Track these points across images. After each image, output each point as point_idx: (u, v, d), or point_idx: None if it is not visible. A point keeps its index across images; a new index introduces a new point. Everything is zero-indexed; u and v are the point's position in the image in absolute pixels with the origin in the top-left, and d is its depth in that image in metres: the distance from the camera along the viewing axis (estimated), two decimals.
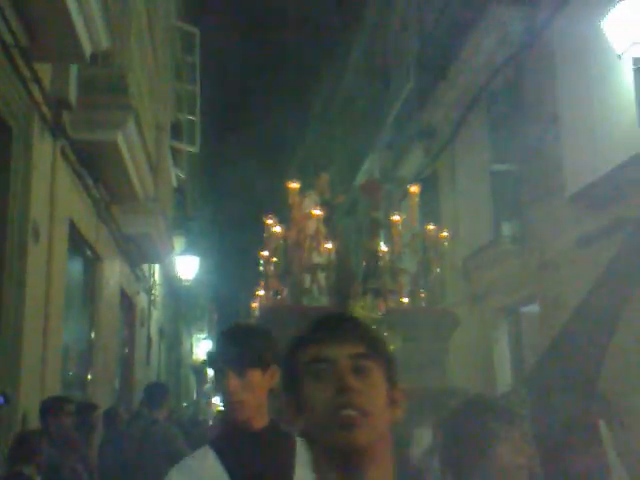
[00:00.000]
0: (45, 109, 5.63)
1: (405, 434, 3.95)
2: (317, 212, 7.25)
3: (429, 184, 12.20)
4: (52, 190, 5.97)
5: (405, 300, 7.21)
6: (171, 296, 17.15)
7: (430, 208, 11.88)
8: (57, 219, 6.13)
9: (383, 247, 7.25)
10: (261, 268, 8.29)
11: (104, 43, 5.22)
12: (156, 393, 5.37)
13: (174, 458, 2.03)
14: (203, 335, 28.54)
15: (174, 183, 13.96)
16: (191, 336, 26.38)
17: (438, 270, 7.25)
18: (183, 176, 14.98)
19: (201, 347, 26.97)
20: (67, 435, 4.69)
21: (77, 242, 7.43)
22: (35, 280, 5.54)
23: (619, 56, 5.82)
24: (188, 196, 17.86)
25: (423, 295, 7.26)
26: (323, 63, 22.56)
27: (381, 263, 6.99)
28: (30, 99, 5.36)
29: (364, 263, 7.34)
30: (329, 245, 7.00)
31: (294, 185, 7.47)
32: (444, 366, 6.83)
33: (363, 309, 6.29)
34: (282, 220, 7.76)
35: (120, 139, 6.72)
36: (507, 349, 9.42)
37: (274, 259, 7.65)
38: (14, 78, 5.04)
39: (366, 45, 17.47)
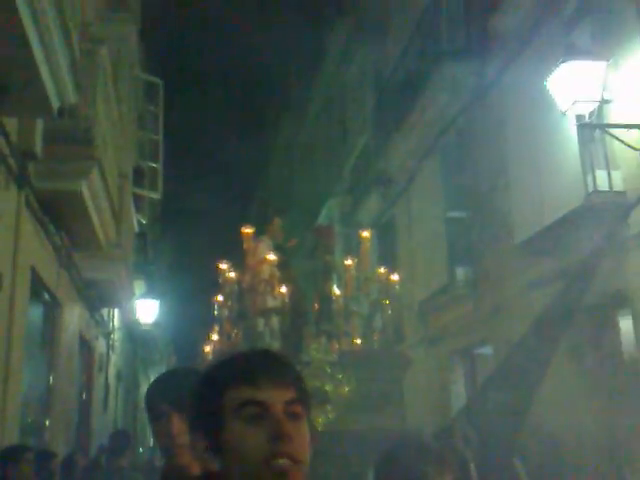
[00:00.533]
0: (11, 161, 5.73)
1: (360, 474, 4.09)
2: (271, 257, 7.40)
3: (387, 229, 12.56)
4: (16, 239, 6.03)
5: (358, 342, 7.35)
6: (130, 340, 17.00)
7: (388, 252, 12.20)
8: (20, 267, 6.17)
9: (336, 290, 7.39)
10: (216, 312, 8.37)
11: (72, 98, 5.35)
12: (121, 441, 5.43)
13: None
14: None
15: (136, 229, 14.01)
16: (149, 379, 25.98)
17: (389, 312, 7.44)
18: (144, 222, 15.03)
19: None
20: None
21: (38, 288, 7.44)
22: None
23: (563, 113, 6.17)
24: (149, 240, 17.87)
25: (376, 337, 7.43)
26: (283, 113, 23.02)
27: (335, 306, 7.13)
28: None
29: (317, 306, 7.49)
30: (283, 289, 7.12)
31: (248, 230, 7.63)
32: (399, 406, 6.94)
33: (317, 351, 6.43)
34: (238, 265, 7.87)
35: (84, 188, 6.81)
36: (463, 390, 9.64)
37: (229, 303, 7.75)
38: None
39: (325, 96, 17.97)
